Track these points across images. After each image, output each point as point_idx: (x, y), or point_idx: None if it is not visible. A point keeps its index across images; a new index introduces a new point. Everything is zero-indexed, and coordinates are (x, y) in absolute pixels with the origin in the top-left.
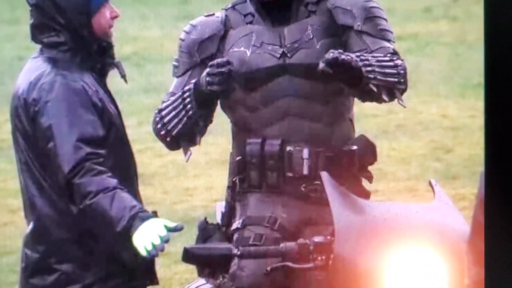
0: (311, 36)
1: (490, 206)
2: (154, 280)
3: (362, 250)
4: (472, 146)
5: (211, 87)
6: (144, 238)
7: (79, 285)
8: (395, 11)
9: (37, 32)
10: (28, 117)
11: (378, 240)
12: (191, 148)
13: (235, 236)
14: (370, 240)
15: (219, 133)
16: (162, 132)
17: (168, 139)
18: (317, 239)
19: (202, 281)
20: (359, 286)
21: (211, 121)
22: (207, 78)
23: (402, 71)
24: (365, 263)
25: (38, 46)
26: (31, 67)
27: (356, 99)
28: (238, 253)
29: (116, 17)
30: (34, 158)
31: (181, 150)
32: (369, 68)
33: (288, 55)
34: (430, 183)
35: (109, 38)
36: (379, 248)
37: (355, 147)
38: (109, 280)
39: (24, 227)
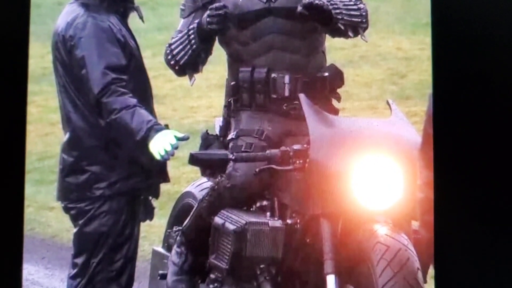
0: None
1: (437, 120)
2: (166, 178)
3: (333, 156)
4: (421, 73)
5: (211, 26)
6: (158, 145)
7: (106, 183)
8: None
9: None
10: (65, 49)
11: (345, 148)
12: (195, 75)
13: (230, 144)
14: (339, 148)
15: (217, 63)
16: (172, 62)
17: (176, 67)
18: (296, 147)
19: (204, 179)
20: (330, 184)
21: (210, 53)
22: (208, 19)
23: (364, 13)
24: (334, 166)
25: None
26: (68, 11)
27: (327, 35)
28: (233, 157)
29: None
30: (70, 82)
31: (187, 76)
32: (337, 11)
33: (273, 0)
34: (387, 102)
35: None
36: (346, 154)
37: (326, 74)
38: (130, 179)
39: (62, 137)
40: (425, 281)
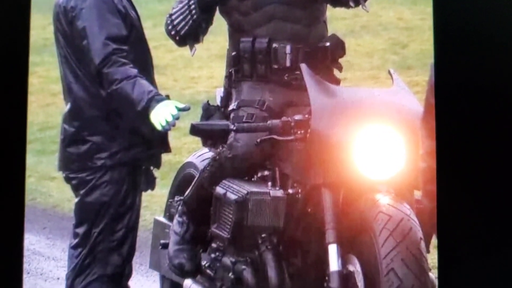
0: None
1: (439, 90)
2: (167, 149)
3: (334, 126)
4: (423, 43)
5: None
6: (159, 116)
7: (107, 153)
8: None
9: None
10: (67, 20)
11: (347, 118)
12: (196, 45)
13: (232, 115)
14: (340, 118)
15: (218, 33)
16: (172, 33)
17: (177, 38)
18: (297, 117)
19: (206, 150)
20: (331, 154)
21: (211, 24)
22: None
23: None
24: (336, 136)
25: None
26: None
27: (328, 5)
28: (234, 128)
29: None
30: (72, 53)
31: (187, 47)
32: None
33: None
34: (389, 72)
35: None
36: (348, 124)
37: (328, 44)
38: (131, 149)
39: (63, 107)
40: (428, 251)
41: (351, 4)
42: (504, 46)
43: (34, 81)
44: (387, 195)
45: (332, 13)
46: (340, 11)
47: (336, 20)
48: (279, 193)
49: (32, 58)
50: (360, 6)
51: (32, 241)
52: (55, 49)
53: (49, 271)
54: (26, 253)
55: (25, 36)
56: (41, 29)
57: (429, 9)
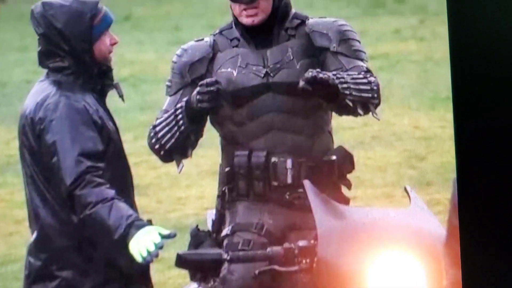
0: (292, 57)
1: (463, 210)
2: (149, 285)
3: (344, 253)
4: (444, 154)
5: (201, 104)
6: (139, 245)
7: None
8: (368, 33)
9: (44, 58)
10: (34, 134)
11: (359, 244)
12: (183, 160)
13: (225, 241)
14: (351, 244)
15: (209, 146)
16: (156, 146)
17: (161, 152)
18: (302, 243)
19: (195, 285)
20: (342, 287)
21: (201, 135)
22: (198, 96)
23: (375, 87)
24: (347, 265)
25: (45, 71)
26: (38, 89)
27: (334, 113)
28: (228, 258)
29: (115, 43)
30: (39, 172)
31: (174, 162)
32: (344, 85)
33: (271, 74)
34: (405, 189)
35: (109, 62)
36: (359, 251)
37: (334, 157)
38: (106, 285)
39: (28, 236)
40: None
41: (360, 111)
42: None
43: None
44: None
45: (338, 122)
46: (347, 119)
47: (343, 130)
48: None
49: None
50: (370, 113)
51: None
52: (20, 168)
53: None
54: None
55: None
56: (5, 144)
57: (449, 115)
